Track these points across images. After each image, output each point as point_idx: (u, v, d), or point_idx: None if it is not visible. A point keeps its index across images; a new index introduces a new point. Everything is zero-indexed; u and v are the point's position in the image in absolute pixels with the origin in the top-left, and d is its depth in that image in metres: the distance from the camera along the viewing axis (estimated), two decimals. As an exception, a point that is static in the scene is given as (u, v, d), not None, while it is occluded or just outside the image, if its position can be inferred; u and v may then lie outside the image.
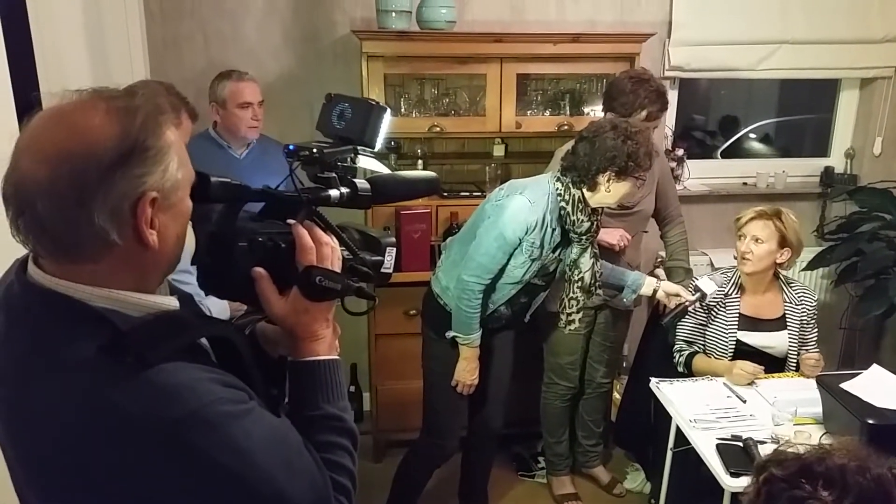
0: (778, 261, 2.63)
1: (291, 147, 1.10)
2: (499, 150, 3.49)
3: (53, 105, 0.90)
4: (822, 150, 4.12)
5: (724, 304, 2.69)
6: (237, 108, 2.82)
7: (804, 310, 2.70)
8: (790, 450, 1.11)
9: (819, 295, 3.89)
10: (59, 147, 0.85)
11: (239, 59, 3.20)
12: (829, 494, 1.00)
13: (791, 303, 2.70)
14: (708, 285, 2.58)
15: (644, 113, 2.74)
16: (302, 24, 3.32)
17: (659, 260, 3.55)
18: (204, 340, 0.99)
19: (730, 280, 2.72)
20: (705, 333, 2.74)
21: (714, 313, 2.71)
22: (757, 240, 2.61)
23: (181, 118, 2.07)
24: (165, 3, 3.20)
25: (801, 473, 1.03)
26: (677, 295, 2.60)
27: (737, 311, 2.68)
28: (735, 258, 2.70)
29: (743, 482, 2.09)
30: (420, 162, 3.36)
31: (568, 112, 3.34)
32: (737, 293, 2.70)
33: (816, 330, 2.75)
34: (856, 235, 3.66)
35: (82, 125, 0.86)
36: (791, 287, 2.73)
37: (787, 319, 2.68)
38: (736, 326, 2.67)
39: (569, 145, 2.46)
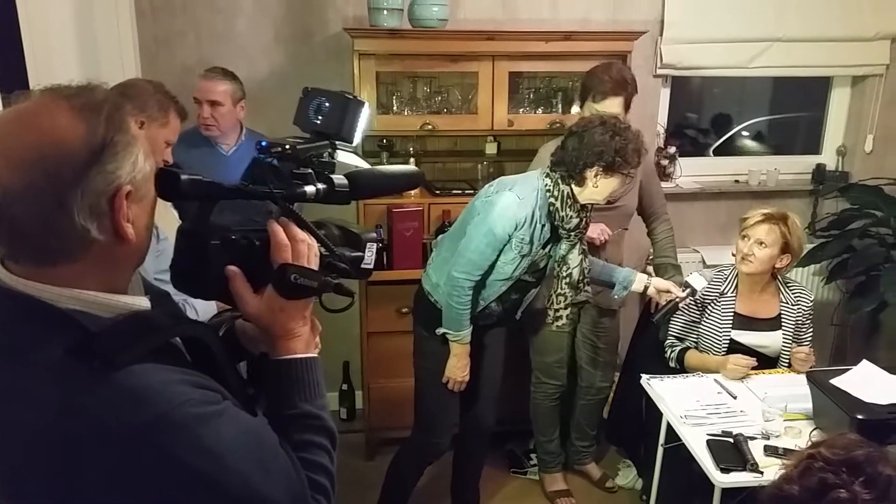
0: (777, 265, 2.63)
1: (264, 143, 1.08)
2: (491, 148, 3.49)
3: (10, 108, 0.88)
4: (814, 147, 4.13)
5: (718, 302, 2.69)
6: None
7: (800, 309, 2.69)
8: (852, 436, 1.07)
9: (810, 291, 3.90)
10: (29, 151, 0.84)
11: (230, 57, 3.19)
12: (867, 494, 0.97)
13: (787, 303, 2.69)
14: (698, 281, 2.59)
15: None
16: (293, 21, 3.32)
17: (650, 257, 3.55)
18: (178, 340, 0.98)
19: (725, 278, 2.72)
20: (699, 331, 2.74)
21: (709, 311, 2.71)
22: (761, 243, 2.59)
23: (169, 117, 2.06)
24: (156, 1, 3.19)
25: (847, 464, 1.00)
26: (668, 291, 2.60)
27: (732, 309, 2.68)
28: (733, 255, 2.68)
29: (733, 478, 2.10)
30: (412, 160, 3.35)
31: (560, 110, 3.34)
32: (732, 292, 2.70)
33: (812, 329, 2.75)
34: (847, 232, 3.67)
35: (48, 126, 0.85)
36: (789, 287, 2.72)
37: (783, 320, 2.68)
38: (730, 325, 2.67)
39: (554, 143, 2.45)
